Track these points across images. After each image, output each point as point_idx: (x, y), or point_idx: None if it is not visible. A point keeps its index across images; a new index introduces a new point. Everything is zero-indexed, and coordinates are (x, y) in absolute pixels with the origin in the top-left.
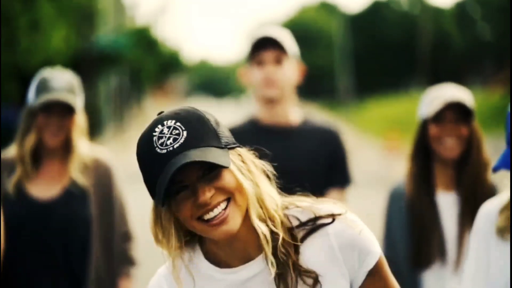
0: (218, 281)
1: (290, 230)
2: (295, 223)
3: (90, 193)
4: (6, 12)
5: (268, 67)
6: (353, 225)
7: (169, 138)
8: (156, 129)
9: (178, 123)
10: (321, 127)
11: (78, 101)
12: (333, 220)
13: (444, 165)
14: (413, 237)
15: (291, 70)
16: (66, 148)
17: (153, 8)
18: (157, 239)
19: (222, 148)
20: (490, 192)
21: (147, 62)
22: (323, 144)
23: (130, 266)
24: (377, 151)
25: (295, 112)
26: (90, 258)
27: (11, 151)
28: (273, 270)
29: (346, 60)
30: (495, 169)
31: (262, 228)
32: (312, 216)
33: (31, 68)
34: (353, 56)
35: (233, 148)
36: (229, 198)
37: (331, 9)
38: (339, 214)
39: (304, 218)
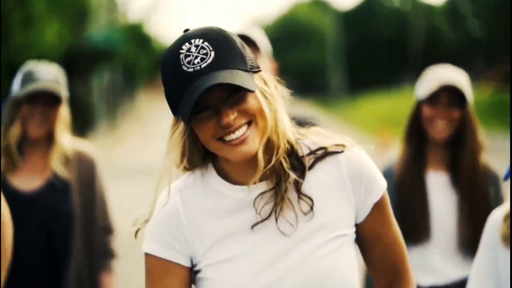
0: (228, 197)
1: (299, 157)
2: (306, 151)
3: (72, 185)
4: None
5: None
6: (362, 156)
7: (196, 57)
8: (184, 47)
9: (206, 43)
10: (302, 119)
11: (63, 91)
12: (344, 150)
13: (436, 146)
14: (401, 214)
15: (264, 67)
16: (49, 140)
17: (145, 4)
18: (174, 159)
19: (247, 71)
20: (483, 174)
21: (140, 58)
22: None
23: (110, 259)
24: (370, 146)
25: None
26: (71, 250)
27: None
28: (270, 193)
29: (338, 57)
30: (506, 178)
31: (260, 156)
32: (323, 145)
33: (24, 64)
34: (345, 53)
35: (257, 72)
36: (250, 120)
37: (323, 6)
38: (350, 145)
39: (315, 147)
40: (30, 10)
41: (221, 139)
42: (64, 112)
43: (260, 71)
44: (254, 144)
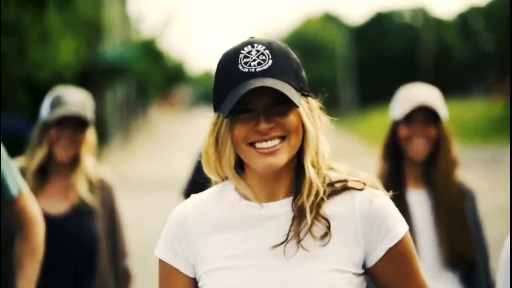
0: (239, 211)
1: (323, 185)
2: (327, 181)
3: (97, 210)
4: (16, 25)
5: None
6: (380, 199)
7: (254, 60)
8: (245, 48)
9: (267, 51)
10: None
11: (90, 116)
12: (363, 188)
13: (414, 164)
14: None
15: None
16: (74, 164)
17: (158, 20)
18: (207, 156)
19: (297, 89)
20: (458, 190)
21: (153, 74)
22: None
23: (130, 281)
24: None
25: None
26: (96, 274)
27: (18, 163)
28: (294, 215)
29: (349, 71)
30: None
31: (311, 172)
32: (344, 178)
33: (41, 80)
34: (356, 67)
35: (306, 95)
36: (285, 136)
37: (334, 21)
38: (372, 186)
39: (336, 179)
40: (46, 28)
41: (252, 144)
42: (90, 136)
43: (309, 95)
44: (282, 158)
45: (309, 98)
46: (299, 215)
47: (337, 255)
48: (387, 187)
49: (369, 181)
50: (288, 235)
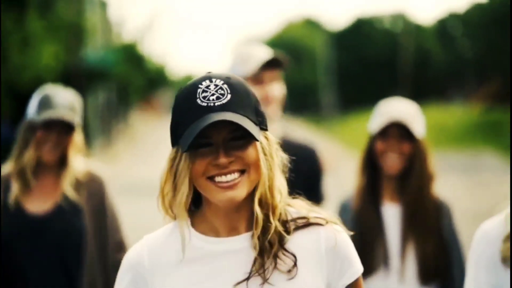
0: (197, 248)
1: (284, 222)
2: (289, 217)
3: (83, 206)
4: None
5: (268, 86)
6: (343, 236)
7: (213, 95)
8: (203, 83)
9: (225, 85)
10: (298, 144)
11: (77, 119)
12: (326, 224)
13: (389, 178)
14: (359, 245)
15: (281, 88)
16: (61, 164)
17: (139, 24)
18: (163, 193)
19: (256, 124)
20: (433, 204)
21: (134, 78)
22: (299, 163)
23: None
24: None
25: (276, 129)
26: (85, 269)
27: (6, 168)
28: (255, 252)
29: (330, 76)
30: None
31: (257, 210)
32: (305, 215)
33: (22, 85)
34: (337, 72)
35: (263, 129)
36: (244, 170)
37: (315, 26)
38: (333, 222)
39: (297, 216)
40: (28, 32)
41: (211, 178)
42: (78, 138)
43: (266, 130)
44: (242, 192)
45: (267, 133)
46: (259, 253)
47: (305, 286)
48: (363, 200)
49: (330, 218)
50: (250, 273)
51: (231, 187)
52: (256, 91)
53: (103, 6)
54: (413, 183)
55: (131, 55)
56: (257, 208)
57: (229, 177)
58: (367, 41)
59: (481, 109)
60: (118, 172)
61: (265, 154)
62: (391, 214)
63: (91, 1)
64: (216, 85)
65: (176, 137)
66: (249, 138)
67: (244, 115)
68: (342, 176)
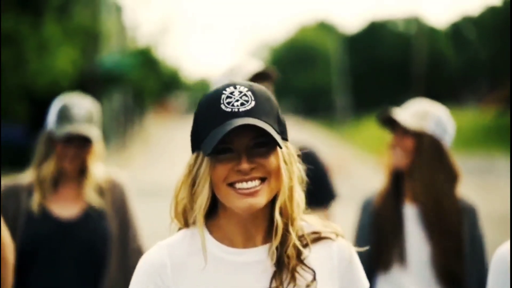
0: (219, 258)
1: (299, 237)
2: (302, 232)
3: (107, 212)
4: (14, 35)
5: None
6: (352, 251)
7: (237, 101)
8: (228, 89)
9: (250, 92)
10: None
11: (96, 130)
12: (337, 238)
13: (409, 178)
14: (374, 242)
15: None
16: (82, 173)
17: (153, 28)
18: (177, 199)
19: (278, 132)
20: (451, 205)
21: (149, 81)
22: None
23: None
24: (373, 167)
25: None
26: (107, 274)
27: (26, 176)
28: (273, 264)
29: (343, 79)
30: None
31: (278, 218)
32: (317, 230)
33: (39, 89)
34: (350, 75)
35: (285, 139)
36: (265, 178)
37: (329, 29)
38: (342, 236)
39: (309, 230)
40: (44, 37)
41: (232, 185)
42: (97, 147)
43: (287, 140)
44: (262, 200)
45: (288, 143)
46: (278, 266)
47: None
48: (385, 198)
49: (340, 232)
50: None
51: (252, 194)
52: None
53: (118, 10)
54: (418, 180)
55: (145, 59)
56: (277, 216)
57: (250, 184)
58: (380, 44)
59: (494, 112)
60: (133, 175)
61: (285, 164)
62: (411, 215)
63: (106, 6)
64: (241, 92)
65: (197, 142)
66: (272, 146)
67: (267, 122)
68: (354, 178)
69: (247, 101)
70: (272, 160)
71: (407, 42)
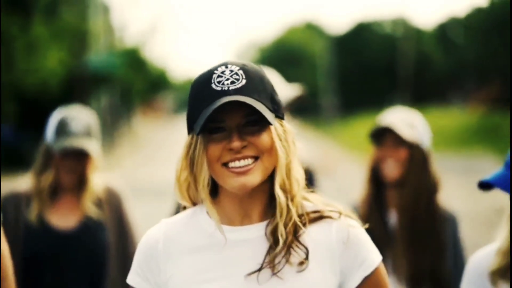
0: (212, 235)
1: (299, 215)
2: (303, 210)
3: (105, 221)
4: (4, 35)
5: None
6: (357, 229)
7: (227, 79)
8: (219, 69)
9: (241, 71)
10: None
11: (94, 144)
12: (339, 217)
13: (393, 186)
14: None
15: None
16: (80, 184)
17: (141, 29)
18: (180, 181)
19: (271, 110)
20: (433, 214)
21: (137, 81)
22: None
23: None
24: (361, 167)
25: None
26: (107, 283)
27: (24, 184)
28: (269, 241)
29: (330, 79)
30: (484, 185)
31: (281, 197)
32: (319, 208)
33: (28, 89)
34: (337, 76)
35: (279, 117)
36: (258, 156)
37: (316, 30)
38: (347, 215)
39: (311, 209)
40: (32, 37)
41: (226, 164)
42: (95, 159)
43: (283, 118)
44: (255, 178)
45: (284, 122)
46: (274, 242)
47: (312, 282)
48: (369, 208)
49: (344, 211)
50: (262, 264)
51: (244, 172)
52: None
53: (106, 11)
54: (408, 190)
55: (133, 59)
56: (279, 192)
57: (242, 163)
58: (367, 45)
59: (480, 112)
60: (122, 175)
61: (280, 140)
62: (394, 221)
63: (94, 6)
64: (232, 71)
65: (191, 123)
66: (264, 124)
67: (258, 100)
68: (341, 179)
69: (237, 80)
70: (264, 138)
71: (394, 43)
